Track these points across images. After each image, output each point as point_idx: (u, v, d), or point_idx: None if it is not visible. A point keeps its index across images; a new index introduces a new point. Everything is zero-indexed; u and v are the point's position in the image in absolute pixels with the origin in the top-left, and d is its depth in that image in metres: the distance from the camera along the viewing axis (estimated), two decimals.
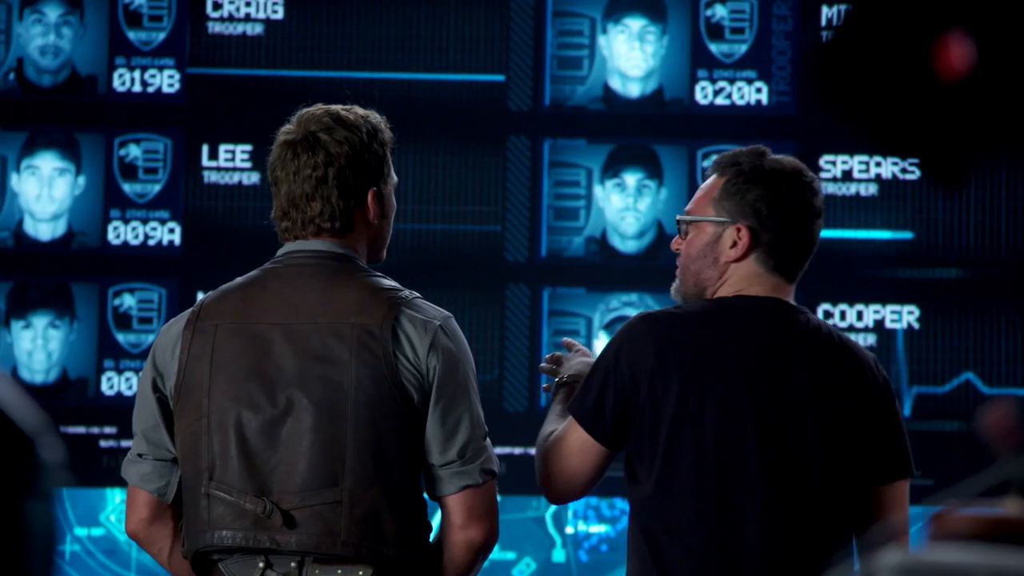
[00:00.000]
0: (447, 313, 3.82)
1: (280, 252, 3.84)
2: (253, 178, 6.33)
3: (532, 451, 6.60)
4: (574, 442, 3.81)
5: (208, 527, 3.72)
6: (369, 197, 3.86)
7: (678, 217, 3.96)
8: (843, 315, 6.31)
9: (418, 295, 3.80)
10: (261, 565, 3.72)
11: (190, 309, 3.82)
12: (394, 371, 3.75)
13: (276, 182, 3.88)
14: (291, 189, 3.84)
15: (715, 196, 3.89)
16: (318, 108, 3.88)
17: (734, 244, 3.84)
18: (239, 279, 3.81)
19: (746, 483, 3.83)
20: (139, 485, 3.85)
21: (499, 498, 5.54)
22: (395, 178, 3.91)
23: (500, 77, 6.35)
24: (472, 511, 3.77)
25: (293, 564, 3.71)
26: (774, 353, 3.81)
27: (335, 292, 3.81)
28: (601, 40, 6.39)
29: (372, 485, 3.75)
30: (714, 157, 6.37)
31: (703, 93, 6.35)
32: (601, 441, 3.79)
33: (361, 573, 3.71)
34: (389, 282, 3.86)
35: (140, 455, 3.87)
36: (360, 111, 3.88)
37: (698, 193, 3.98)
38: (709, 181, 3.96)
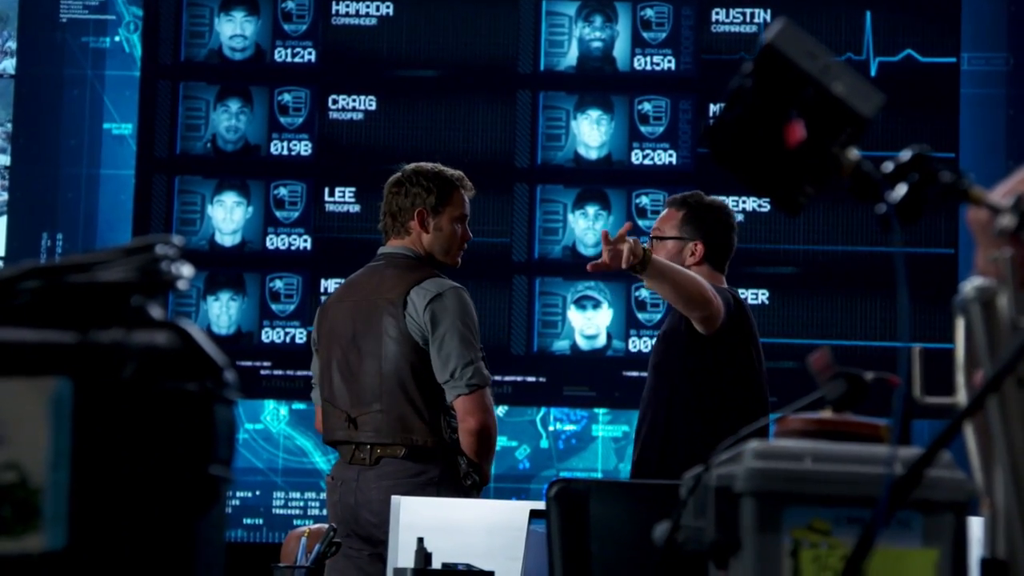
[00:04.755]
0: (454, 286, 4.09)
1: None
2: (356, 208, 6.71)
3: (530, 378, 6.59)
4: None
5: (329, 429, 4.26)
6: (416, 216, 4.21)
7: (652, 235, 4.30)
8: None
9: (445, 280, 4.13)
10: (353, 447, 4.19)
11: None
12: (404, 326, 4.08)
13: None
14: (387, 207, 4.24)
15: (678, 222, 4.27)
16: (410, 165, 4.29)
17: (693, 254, 4.26)
18: (353, 274, 4.33)
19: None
20: (315, 401, 4.36)
21: (505, 407, 6.32)
22: (453, 210, 4.16)
23: (510, 145, 6.78)
24: (465, 409, 4.04)
25: (368, 447, 4.13)
26: None
27: (384, 279, 4.19)
28: (573, 123, 6.76)
29: (399, 399, 4.08)
30: (644, 197, 6.63)
31: (636, 157, 6.75)
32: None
33: (399, 450, 4.12)
34: (422, 273, 4.14)
35: (313, 384, 4.38)
36: (422, 164, 4.29)
37: (661, 220, 4.31)
38: (668, 212, 4.32)
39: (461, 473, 4.04)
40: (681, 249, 4.24)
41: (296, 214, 6.79)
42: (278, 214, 6.82)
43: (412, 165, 4.28)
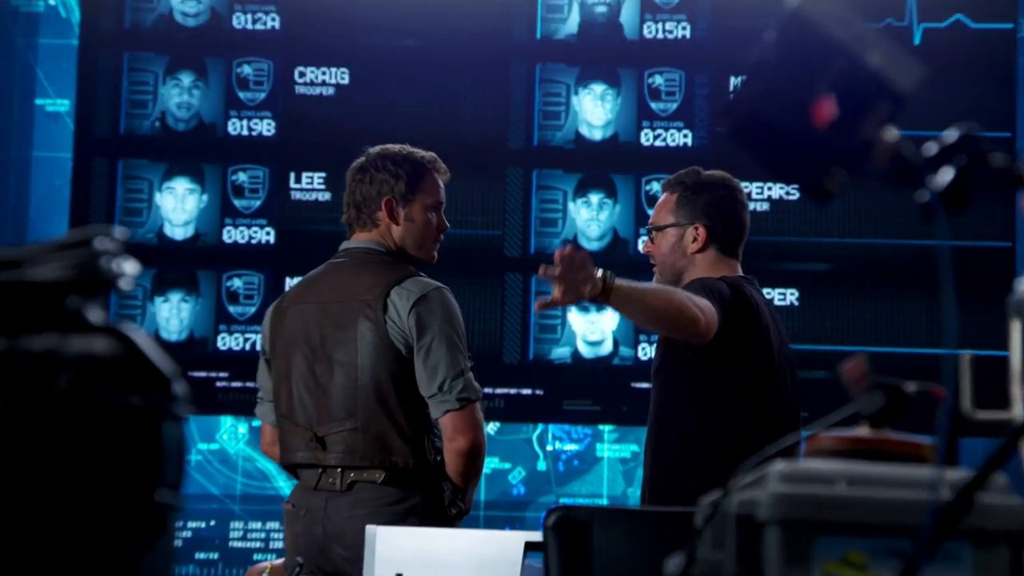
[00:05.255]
0: (438, 286, 4.12)
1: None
2: (325, 196, 6.76)
3: (525, 391, 6.58)
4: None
5: (288, 449, 4.24)
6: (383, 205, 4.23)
7: (648, 226, 4.37)
8: None
9: (428, 280, 4.14)
10: (320, 471, 4.18)
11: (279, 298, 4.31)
12: (384, 332, 4.10)
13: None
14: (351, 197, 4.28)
15: (672, 207, 4.31)
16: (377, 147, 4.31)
17: (695, 239, 4.28)
18: (312, 272, 4.33)
19: (792, 401, 4.22)
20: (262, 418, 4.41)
21: (496, 424, 6.33)
22: (425, 197, 4.20)
23: (502, 124, 6.83)
24: (455, 427, 4.06)
25: (338, 471, 4.14)
26: (773, 310, 4.36)
27: (357, 277, 4.20)
28: (574, 99, 6.83)
29: (378, 415, 4.09)
30: (655, 183, 6.58)
31: (646, 137, 6.81)
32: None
33: (376, 475, 4.12)
34: (401, 271, 4.16)
35: (260, 398, 4.40)
36: (388, 147, 4.29)
37: (657, 208, 4.37)
38: (663, 197, 4.37)
39: (446, 500, 4.08)
40: (681, 236, 4.29)
41: (257, 203, 6.85)
42: (237, 203, 6.88)
43: (377, 148, 4.29)
